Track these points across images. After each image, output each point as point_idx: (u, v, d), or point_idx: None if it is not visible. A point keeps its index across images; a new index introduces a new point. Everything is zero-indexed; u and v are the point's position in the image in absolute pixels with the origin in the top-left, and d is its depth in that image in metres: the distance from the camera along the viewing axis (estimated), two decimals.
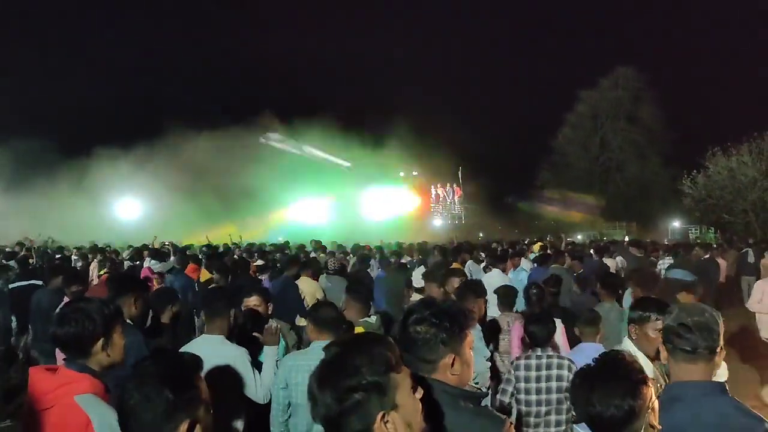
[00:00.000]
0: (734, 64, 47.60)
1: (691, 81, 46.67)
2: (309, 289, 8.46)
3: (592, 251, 13.46)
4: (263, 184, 29.65)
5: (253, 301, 4.89)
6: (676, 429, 2.10)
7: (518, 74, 55.66)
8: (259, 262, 11.50)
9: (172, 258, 12.40)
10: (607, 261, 11.68)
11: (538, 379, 4.18)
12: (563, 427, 4.16)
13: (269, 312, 4.96)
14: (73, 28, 46.82)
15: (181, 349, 4.09)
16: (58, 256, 14.56)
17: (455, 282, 5.43)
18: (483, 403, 2.25)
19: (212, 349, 3.89)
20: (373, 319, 4.55)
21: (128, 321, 3.81)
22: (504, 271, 9.29)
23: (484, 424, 2.02)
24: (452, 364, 2.10)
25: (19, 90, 33.32)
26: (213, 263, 10.15)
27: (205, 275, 9.85)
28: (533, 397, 4.17)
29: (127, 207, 31.82)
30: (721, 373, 2.97)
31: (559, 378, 4.15)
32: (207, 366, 3.74)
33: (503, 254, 11.25)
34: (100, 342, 2.46)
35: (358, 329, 4.42)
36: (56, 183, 28.73)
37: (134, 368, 1.78)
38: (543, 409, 4.16)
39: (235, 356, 3.95)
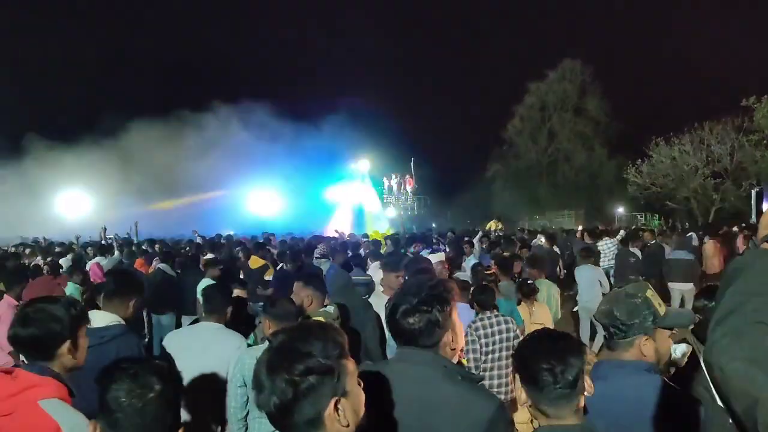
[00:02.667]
0: (676, 56, 49.15)
1: (635, 73, 48.19)
2: None
3: (542, 238, 13.86)
4: (212, 174, 29.23)
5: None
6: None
7: (469, 66, 56.15)
8: (210, 256, 11.35)
9: (116, 253, 12.09)
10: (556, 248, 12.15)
11: (491, 334, 5.15)
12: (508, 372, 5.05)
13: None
14: (15, 18, 44.93)
15: (181, 332, 4.34)
16: None
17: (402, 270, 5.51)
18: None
19: (212, 334, 4.10)
20: (330, 308, 4.52)
21: (122, 322, 3.65)
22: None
23: (479, 399, 2.06)
24: (452, 347, 2.19)
25: None
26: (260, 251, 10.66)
27: (256, 262, 9.94)
28: (489, 350, 5.14)
29: (70, 201, 30.84)
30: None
31: (507, 331, 5.20)
32: (207, 350, 3.86)
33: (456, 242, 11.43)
34: (67, 344, 2.33)
35: (317, 318, 4.37)
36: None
37: (115, 371, 1.70)
38: (492, 358, 5.13)
39: (234, 343, 4.06)
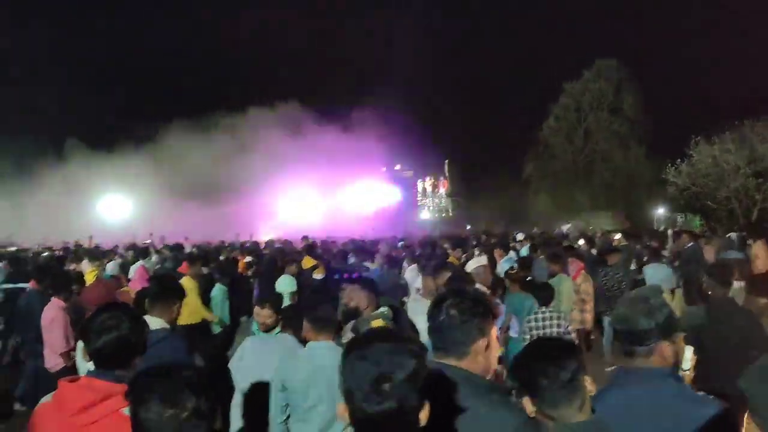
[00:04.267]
0: (715, 52, 48.05)
1: (673, 71, 47.16)
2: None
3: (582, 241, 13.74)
4: (246, 176, 29.54)
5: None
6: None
7: (504, 66, 55.71)
8: (248, 259, 11.51)
9: (155, 257, 12.33)
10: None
11: (545, 327, 6.13)
12: None
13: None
14: (55, 25, 46.21)
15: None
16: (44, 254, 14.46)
17: (446, 275, 5.47)
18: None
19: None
20: (384, 310, 4.57)
21: (168, 326, 3.72)
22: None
23: (505, 415, 2.04)
24: (485, 349, 2.15)
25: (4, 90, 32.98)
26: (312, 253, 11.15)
27: (309, 262, 10.31)
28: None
29: (112, 205, 31.56)
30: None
31: (558, 326, 6.18)
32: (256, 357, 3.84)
33: (489, 245, 11.37)
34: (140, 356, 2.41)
35: (376, 322, 4.40)
36: (40, 182, 28.47)
37: (143, 390, 1.67)
38: None
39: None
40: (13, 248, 16.81)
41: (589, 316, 8.59)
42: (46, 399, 2.34)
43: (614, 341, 2.31)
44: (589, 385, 2.00)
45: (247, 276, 10.79)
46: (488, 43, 58.33)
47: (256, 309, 4.78)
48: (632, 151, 44.17)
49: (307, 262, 10.36)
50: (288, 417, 3.88)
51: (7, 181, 28.44)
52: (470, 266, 6.84)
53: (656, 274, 9.14)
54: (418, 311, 5.49)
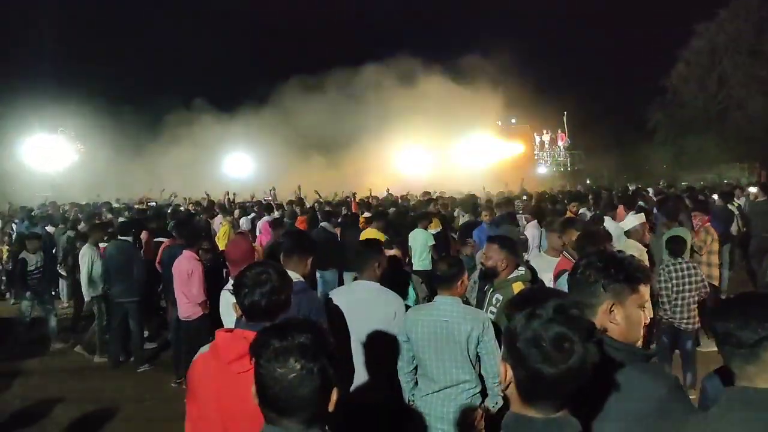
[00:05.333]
0: None
1: None
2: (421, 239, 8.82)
3: (715, 196, 12.79)
4: (361, 134, 29.92)
5: (392, 252, 5.15)
6: None
7: (625, 9, 52.19)
8: (367, 215, 11.72)
9: (276, 212, 12.81)
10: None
11: (681, 277, 6.44)
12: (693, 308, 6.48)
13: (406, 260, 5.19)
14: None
15: (338, 293, 4.32)
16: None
17: (573, 234, 5.28)
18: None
19: (370, 294, 4.15)
20: (524, 270, 4.52)
21: (302, 279, 3.87)
22: (614, 219, 8.93)
23: (650, 381, 1.97)
24: (610, 311, 2.08)
25: (139, 53, 35.21)
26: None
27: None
28: (678, 290, 6.46)
29: (236, 163, 33.14)
30: None
31: (695, 275, 6.50)
32: (362, 310, 4.00)
33: (610, 202, 10.85)
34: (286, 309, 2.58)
35: (516, 285, 4.37)
36: (174, 141, 30.34)
37: (284, 338, 1.75)
38: (681, 297, 6.44)
39: (394, 303, 4.12)
40: (153, 203, 18.06)
41: (715, 271, 8.12)
42: (203, 349, 2.54)
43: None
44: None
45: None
46: None
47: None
48: None
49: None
50: (415, 368, 3.97)
51: (142, 141, 30.61)
52: (628, 223, 6.67)
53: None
54: (542, 269, 5.38)
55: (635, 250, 6.39)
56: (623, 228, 6.73)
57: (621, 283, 2.10)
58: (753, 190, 14.19)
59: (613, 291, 2.09)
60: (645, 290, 2.14)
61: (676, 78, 42.98)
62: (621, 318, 2.08)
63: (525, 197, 15.45)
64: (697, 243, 7.97)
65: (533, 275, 4.70)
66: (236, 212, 13.99)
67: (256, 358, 1.77)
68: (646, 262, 6.75)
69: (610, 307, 2.08)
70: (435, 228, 9.95)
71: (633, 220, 6.79)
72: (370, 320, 3.99)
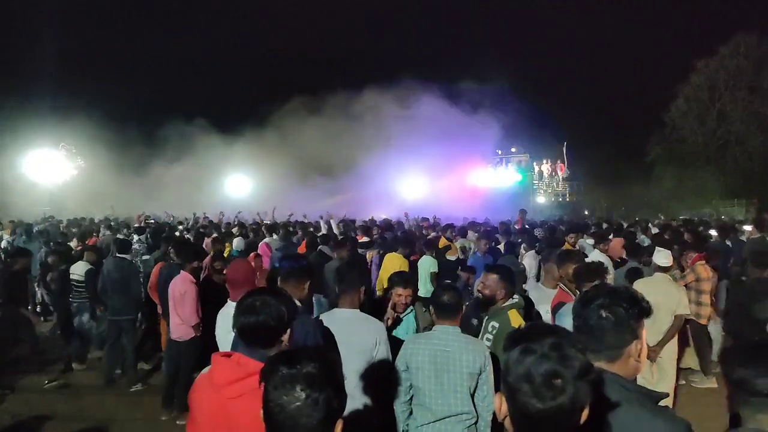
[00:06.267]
0: None
1: None
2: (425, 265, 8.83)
3: (713, 232, 12.78)
4: (364, 159, 30.02)
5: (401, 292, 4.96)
6: None
7: (628, 43, 52.84)
8: (364, 239, 11.70)
9: (274, 235, 12.77)
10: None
11: None
12: None
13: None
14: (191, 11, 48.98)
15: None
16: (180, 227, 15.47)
17: (570, 267, 5.23)
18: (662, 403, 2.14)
19: (349, 322, 4.04)
20: (518, 298, 4.53)
21: (299, 304, 3.78)
22: (605, 251, 8.89)
23: (663, 426, 1.94)
24: (638, 352, 2.07)
25: (143, 71, 35.45)
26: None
27: (443, 242, 10.57)
28: None
29: (236, 183, 33.23)
30: None
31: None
32: (343, 337, 3.89)
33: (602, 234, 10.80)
34: (285, 335, 2.51)
35: (511, 312, 4.39)
36: (174, 160, 30.43)
37: (290, 367, 1.75)
38: None
39: (375, 330, 4.03)
40: (152, 221, 18.04)
41: (704, 310, 7.88)
42: (205, 370, 2.54)
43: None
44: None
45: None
46: (612, 17, 55.48)
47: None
48: None
49: (442, 242, 10.58)
50: (411, 398, 3.94)
51: (143, 159, 30.71)
52: (661, 260, 6.75)
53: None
54: (540, 300, 5.37)
55: (671, 284, 6.66)
56: (660, 264, 6.77)
57: (641, 320, 2.08)
58: (748, 228, 14.07)
59: (638, 331, 2.07)
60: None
61: (676, 113, 43.33)
62: (641, 356, 2.07)
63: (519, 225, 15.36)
64: (687, 280, 7.84)
65: (527, 303, 4.70)
66: (235, 230, 14.01)
67: (264, 383, 1.76)
68: (685, 294, 6.85)
69: (638, 353, 2.06)
70: (453, 255, 9.92)
71: (660, 256, 6.82)
72: (351, 348, 3.90)
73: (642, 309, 2.07)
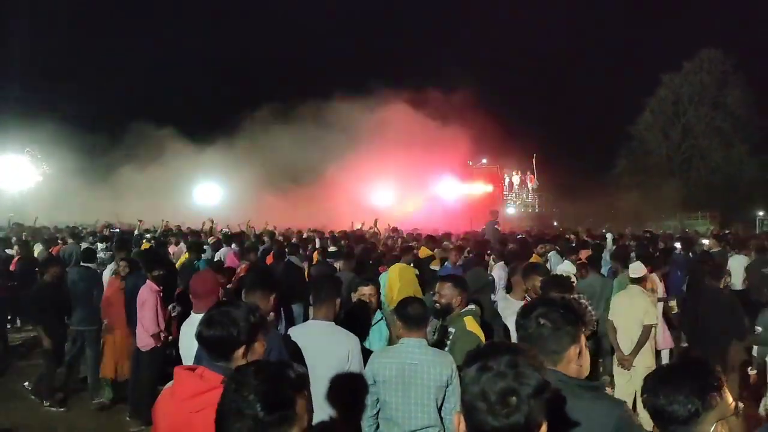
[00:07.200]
0: None
1: None
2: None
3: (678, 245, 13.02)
4: (331, 165, 29.97)
5: (367, 290, 5.00)
6: None
7: (596, 58, 53.78)
8: (332, 249, 11.66)
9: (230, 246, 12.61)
10: None
11: None
12: None
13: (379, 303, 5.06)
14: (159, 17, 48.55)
15: (293, 332, 4.14)
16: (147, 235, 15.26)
17: (536, 279, 5.25)
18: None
19: (323, 334, 4.02)
20: (473, 306, 4.55)
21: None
22: (575, 263, 9.02)
23: (604, 406, 2.11)
24: (578, 355, 2.21)
25: (111, 77, 34.97)
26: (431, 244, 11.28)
27: (424, 252, 10.42)
28: None
29: (205, 191, 32.90)
30: None
31: None
32: (316, 350, 3.86)
33: (574, 247, 10.93)
34: (242, 349, 2.47)
35: (468, 319, 4.39)
36: (142, 167, 30.01)
37: (237, 372, 1.77)
38: None
39: (348, 343, 4.00)
40: (116, 230, 17.75)
41: None
42: (169, 384, 2.50)
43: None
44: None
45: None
46: (580, 32, 56.41)
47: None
48: (734, 149, 41.61)
49: (424, 251, 10.41)
50: (378, 411, 3.91)
51: (110, 165, 30.22)
52: (634, 271, 6.91)
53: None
54: (508, 313, 5.40)
55: (642, 294, 6.75)
56: (632, 276, 6.92)
57: (580, 329, 2.23)
58: (706, 242, 14.26)
59: (576, 338, 2.21)
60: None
61: (642, 126, 44.19)
62: (583, 361, 2.21)
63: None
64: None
65: (494, 314, 4.74)
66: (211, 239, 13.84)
67: (220, 400, 1.74)
68: (654, 305, 7.07)
69: (577, 358, 2.19)
70: (436, 265, 9.81)
71: (636, 268, 6.97)
72: (324, 360, 3.87)
73: (578, 316, 2.23)
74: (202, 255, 10.45)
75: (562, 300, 2.38)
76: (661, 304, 8.10)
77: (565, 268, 8.54)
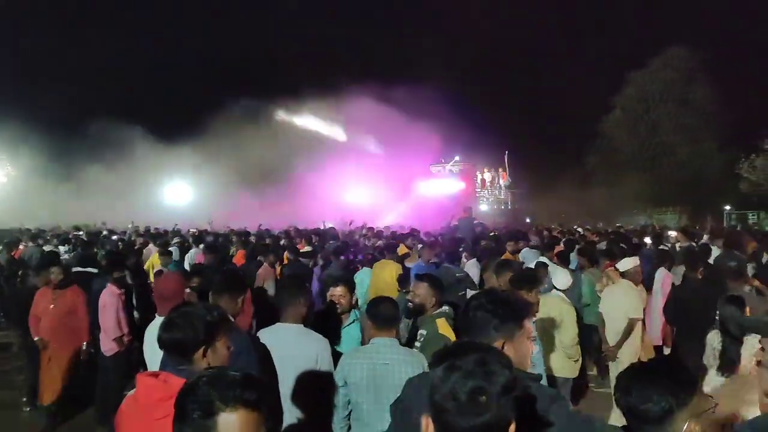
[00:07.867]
0: None
1: (749, 60, 44.66)
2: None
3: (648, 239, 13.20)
4: (306, 166, 29.83)
5: (338, 291, 4.91)
6: None
7: (565, 55, 54.27)
8: (306, 248, 11.56)
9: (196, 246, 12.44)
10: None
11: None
12: None
13: (353, 303, 4.98)
14: (127, 14, 47.79)
15: (261, 334, 4.07)
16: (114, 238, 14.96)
17: (507, 275, 5.28)
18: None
19: (290, 336, 3.95)
20: (446, 308, 4.49)
21: (231, 319, 3.71)
22: (551, 259, 9.04)
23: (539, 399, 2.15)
24: (502, 348, 2.24)
25: (76, 76, 34.29)
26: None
27: (401, 249, 10.51)
28: None
29: (176, 191, 32.48)
30: None
31: None
32: (284, 353, 3.80)
33: (549, 243, 11.00)
34: (201, 350, 2.41)
35: (440, 321, 4.34)
36: (109, 168, 29.53)
37: (186, 390, 1.69)
38: None
39: (316, 345, 3.95)
40: (80, 232, 17.42)
41: None
42: (131, 391, 2.44)
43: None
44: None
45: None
46: (550, 30, 56.90)
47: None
48: (702, 145, 42.28)
49: (401, 249, 10.51)
50: (350, 413, 3.86)
51: (76, 166, 29.64)
52: (624, 265, 7.18)
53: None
54: None
55: (630, 289, 6.95)
56: (620, 269, 7.22)
57: (510, 322, 2.29)
58: (673, 234, 14.52)
59: (504, 330, 2.28)
60: (530, 324, 2.40)
61: (611, 123, 44.67)
62: (513, 353, 2.21)
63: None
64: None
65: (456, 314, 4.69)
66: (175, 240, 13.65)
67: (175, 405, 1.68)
68: (641, 299, 7.23)
69: (503, 345, 2.25)
70: (412, 262, 9.73)
71: (628, 262, 7.28)
72: (291, 363, 3.83)
73: (509, 310, 2.31)
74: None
75: (503, 294, 2.53)
76: (659, 299, 8.26)
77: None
